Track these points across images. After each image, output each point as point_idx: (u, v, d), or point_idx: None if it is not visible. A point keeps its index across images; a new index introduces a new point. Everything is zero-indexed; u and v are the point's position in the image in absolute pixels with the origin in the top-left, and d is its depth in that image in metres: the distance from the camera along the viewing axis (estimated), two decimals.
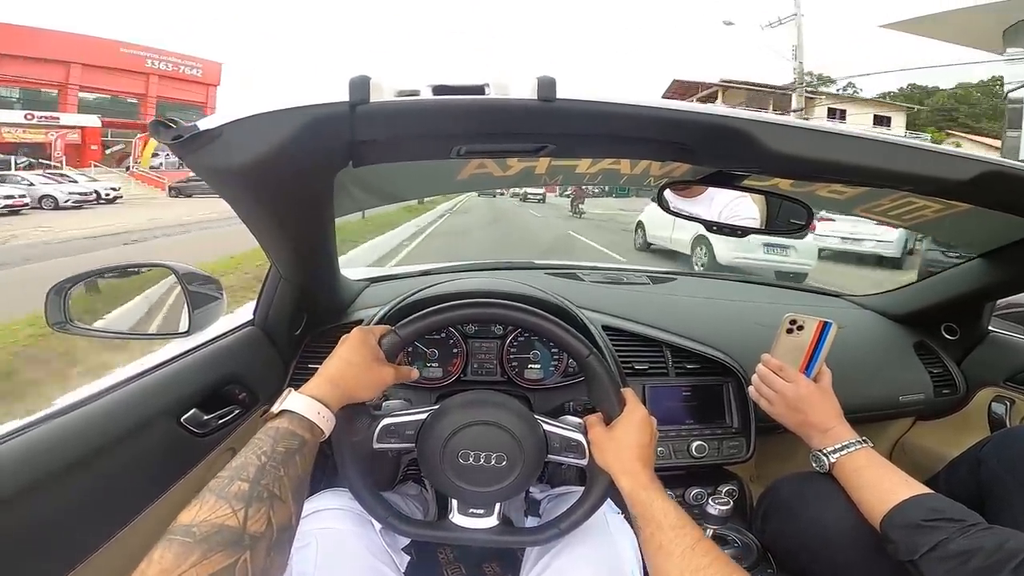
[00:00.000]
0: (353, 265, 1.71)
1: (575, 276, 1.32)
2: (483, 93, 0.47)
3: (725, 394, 1.05)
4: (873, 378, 1.13)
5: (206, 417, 0.77)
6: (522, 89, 0.47)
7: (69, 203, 16.07)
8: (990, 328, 1.19)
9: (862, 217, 0.92)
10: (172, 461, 0.73)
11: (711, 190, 0.83)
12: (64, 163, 22.05)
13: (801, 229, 0.82)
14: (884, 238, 7.87)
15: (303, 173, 0.53)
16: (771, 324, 0.85)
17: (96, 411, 0.65)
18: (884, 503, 0.66)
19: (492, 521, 0.68)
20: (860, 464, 0.72)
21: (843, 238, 8.17)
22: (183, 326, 0.85)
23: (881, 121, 25.97)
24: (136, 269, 0.97)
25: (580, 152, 0.66)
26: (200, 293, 0.88)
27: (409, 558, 0.75)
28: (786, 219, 0.83)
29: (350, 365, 0.63)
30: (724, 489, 1.03)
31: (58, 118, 23.04)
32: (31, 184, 16.21)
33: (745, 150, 0.52)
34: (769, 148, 0.52)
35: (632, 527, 0.65)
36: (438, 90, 0.46)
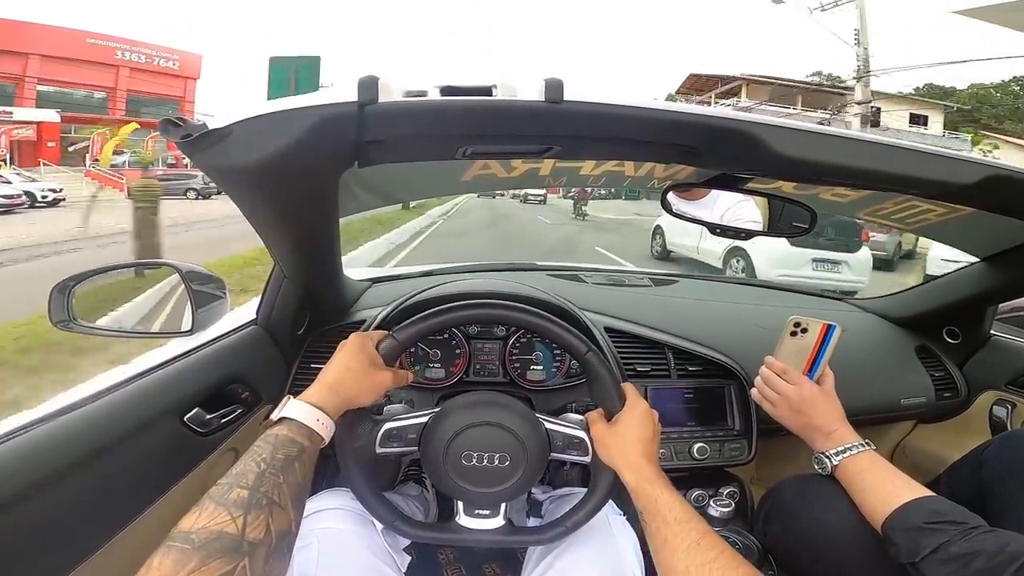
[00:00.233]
0: None
1: (577, 278, 1.32)
2: (491, 94, 0.47)
3: (727, 396, 1.05)
4: (874, 381, 1.14)
5: (209, 416, 0.77)
6: (529, 90, 0.47)
7: None
8: (992, 332, 1.19)
9: (865, 220, 0.93)
10: (175, 460, 0.73)
11: (713, 193, 0.83)
12: (9, 160, 19.91)
13: (804, 232, 0.82)
14: (874, 239, 7.68)
15: (310, 172, 0.53)
16: (773, 327, 0.85)
17: (99, 410, 0.65)
18: (886, 505, 0.66)
19: (499, 521, 0.68)
20: (863, 466, 0.72)
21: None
22: (186, 325, 0.85)
23: (917, 120, 24.71)
24: (140, 267, 0.97)
25: (586, 154, 0.66)
26: (203, 292, 0.88)
27: (410, 558, 0.75)
28: (788, 222, 0.83)
29: (348, 371, 0.63)
30: (725, 491, 1.03)
31: (11, 112, 21.27)
32: None
33: (751, 153, 0.53)
34: (775, 151, 0.52)
35: (637, 522, 0.65)
36: (446, 91, 0.46)
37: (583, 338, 0.72)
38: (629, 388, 0.71)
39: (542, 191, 23.27)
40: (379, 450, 0.68)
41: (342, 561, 0.64)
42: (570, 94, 0.46)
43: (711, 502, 0.99)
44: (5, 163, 19.83)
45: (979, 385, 1.17)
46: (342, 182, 0.61)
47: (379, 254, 7.59)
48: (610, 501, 0.70)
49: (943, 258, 5.94)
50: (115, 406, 0.67)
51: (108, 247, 8.67)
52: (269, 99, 0.45)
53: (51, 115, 22.38)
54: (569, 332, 0.72)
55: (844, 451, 0.74)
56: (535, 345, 1.04)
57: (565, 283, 1.27)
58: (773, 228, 0.85)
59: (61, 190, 16.00)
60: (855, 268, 5.66)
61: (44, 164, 21.16)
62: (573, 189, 15.77)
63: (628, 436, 0.66)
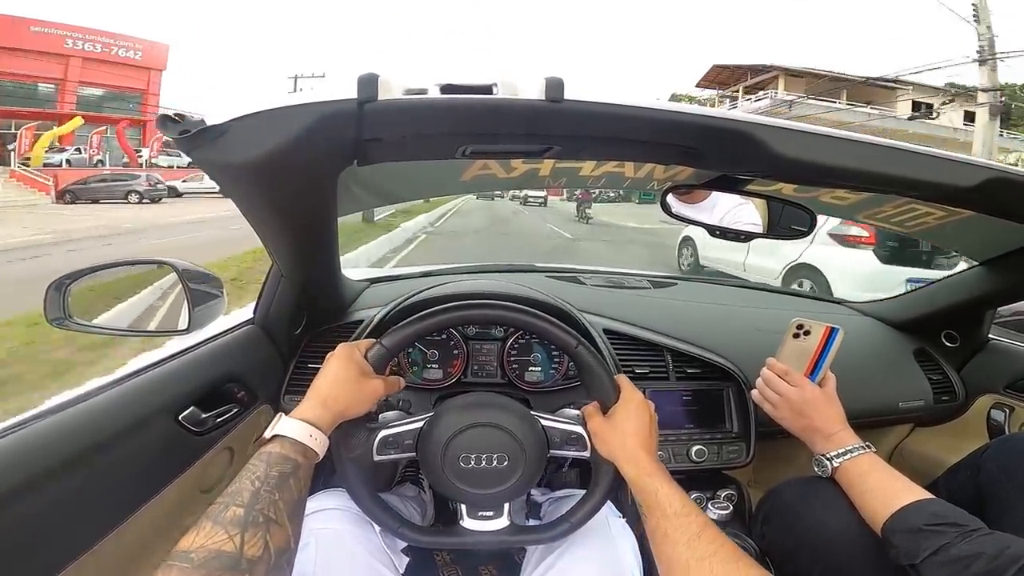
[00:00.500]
0: None
1: (576, 279, 1.32)
2: (491, 93, 0.46)
3: (725, 399, 1.05)
4: (872, 384, 1.13)
5: (204, 415, 0.76)
6: (530, 89, 0.47)
7: None
8: (990, 336, 1.19)
9: (865, 223, 0.93)
10: (169, 459, 0.72)
11: (713, 196, 0.83)
12: None
13: (803, 235, 0.82)
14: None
15: (308, 170, 0.53)
16: (771, 330, 0.85)
17: (94, 407, 0.65)
18: (887, 507, 0.66)
19: (503, 522, 0.67)
20: (863, 469, 0.72)
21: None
22: (183, 323, 0.84)
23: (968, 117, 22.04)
24: (136, 266, 0.97)
25: (586, 154, 0.66)
26: (200, 291, 0.87)
27: (408, 559, 0.75)
28: (788, 224, 0.83)
29: (339, 383, 0.63)
30: (723, 493, 1.03)
31: None
32: None
33: (752, 154, 0.53)
34: (776, 152, 0.52)
35: (637, 524, 0.65)
36: (446, 89, 0.46)
37: (573, 332, 0.71)
38: (623, 380, 0.71)
39: (543, 192, 23.28)
40: (377, 458, 0.68)
41: (340, 561, 0.64)
42: (571, 93, 0.46)
43: (709, 504, 0.99)
44: None
45: (977, 389, 1.17)
46: (341, 181, 0.61)
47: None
48: (609, 504, 0.70)
49: None
50: (109, 404, 0.66)
51: None
52: None
53: None
54: (558, 327, 0.72)
55: (845, 453, 0.74)
56: (533, 346, 1.03)
57: (564, 285, 1.27)
58: (772, 230, 0.85)
59: None
60: None
61: None
62: (577, 191, 15.70)
63: (625, 428, 0.66)
